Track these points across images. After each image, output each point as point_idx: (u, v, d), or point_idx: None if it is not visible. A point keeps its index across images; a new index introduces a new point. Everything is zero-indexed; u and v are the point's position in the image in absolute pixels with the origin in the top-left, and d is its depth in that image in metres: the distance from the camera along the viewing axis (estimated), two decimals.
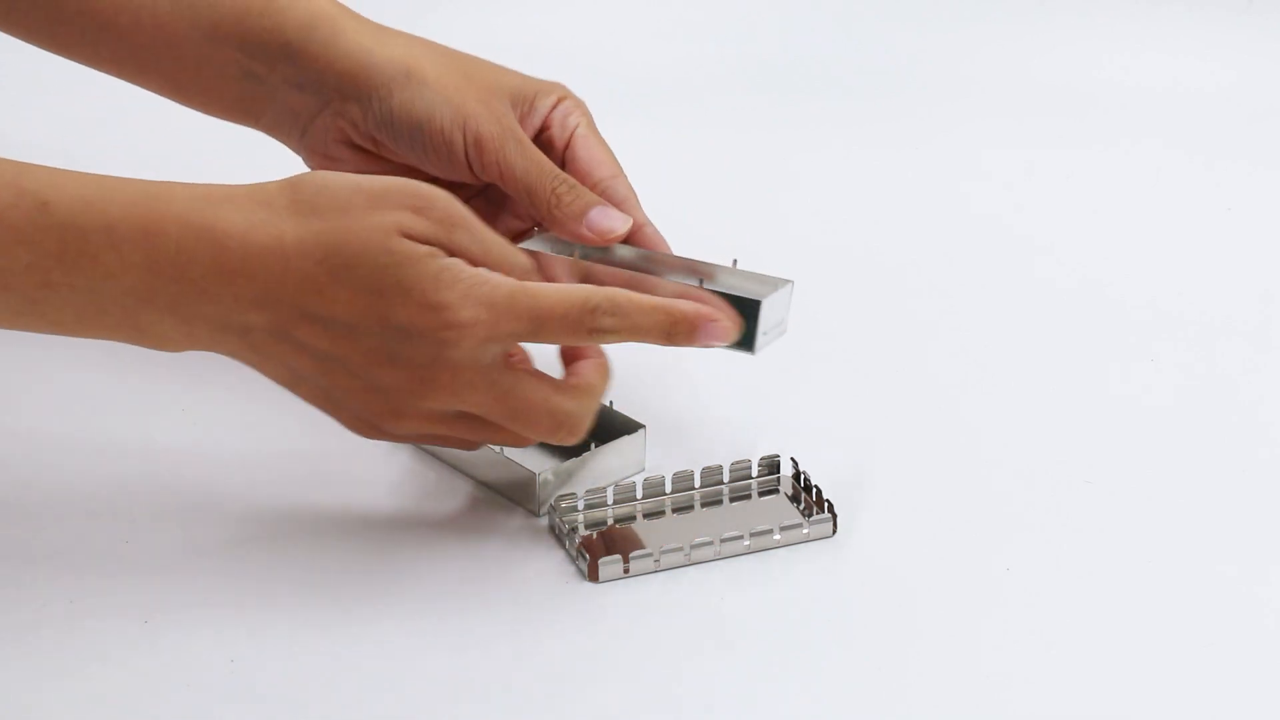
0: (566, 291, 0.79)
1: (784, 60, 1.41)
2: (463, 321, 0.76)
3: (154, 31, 0.90)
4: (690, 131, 1.28)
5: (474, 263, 0.78)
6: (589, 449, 0.88)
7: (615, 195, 0.88)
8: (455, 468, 0.90)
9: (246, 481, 0.88)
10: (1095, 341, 1.03)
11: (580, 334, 0.79)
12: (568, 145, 0.90)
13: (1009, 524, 0.87)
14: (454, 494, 0.88)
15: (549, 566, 0.83)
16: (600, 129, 0.91)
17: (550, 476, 0.86)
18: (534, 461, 0.88)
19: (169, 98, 0.94)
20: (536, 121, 0.90)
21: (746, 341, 0.83)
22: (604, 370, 0.83)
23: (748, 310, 0.83)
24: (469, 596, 0.81)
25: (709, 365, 0.97)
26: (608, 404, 0.90)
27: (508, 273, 0.79)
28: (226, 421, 0.92)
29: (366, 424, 0.80)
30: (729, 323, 0.82)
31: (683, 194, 1.03)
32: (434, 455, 0.90)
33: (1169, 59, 1.40)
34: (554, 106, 0.90)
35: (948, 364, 1.01)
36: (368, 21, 0.90)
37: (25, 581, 0.81)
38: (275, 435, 0.91)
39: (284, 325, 0.77)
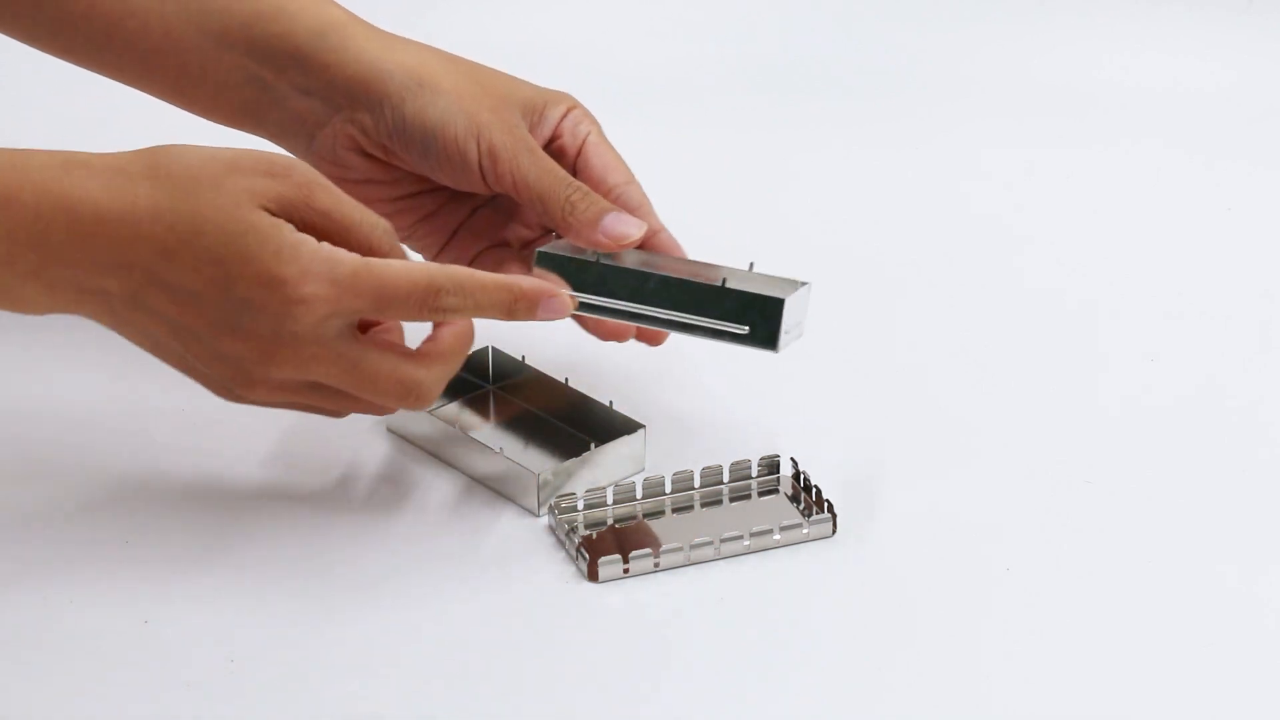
0: (411, 270, 0.79)
1: (784, 60, 1.41)
2: (303, 297, 0.77)
3: (161, 37, 0.90)
4: (690, 132, 1.28)
5: (330, 229, 0.78)
6: (589, 449, 0.88)
7: (629, 201, 0.89)
8: (455, 467, 0.90)
9: (246, 482, 0.88)
10: (1095, 341, 1.03)
11: (424, 312, 0.80)
12: (579, 153, 0.90)
13: (1009, 524, 0.87)
14: (454, 493, 0.88)
15: (549, 566, 0.83)
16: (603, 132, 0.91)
17: (550, 476, 0.86)
18: (534, 461, 0.88)
19: (172, 102, 0.94)
20: (546, 131, 0.90)
21: (769, 341, 0.84)
22: (462, 337, 0.83)
23: (771, 309, 0.83)
24: (469, 596, 0.81)
25: (709, 365, 0.97)
26: (608, 404, 0.90)
27: (368, 237, 0.79)
28: (226, 422, 0.92)
29: (224, 389, 0.81)
30: (568, 297, 0.83)
31: (683, 194, 1.02)
32: (434, 455, 0.90)
33: (1169, 59, 1.40)
34: (563, 116, 0.90)
35: (947, 364, 1.01)
36: (378, 29, 0.90)
37: (25, 581, 0.81)
38: (275, 436, 0.91)
39: (137, 292, 0.77)
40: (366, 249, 0.79)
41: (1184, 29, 1.44)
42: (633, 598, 0.81)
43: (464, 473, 0.89)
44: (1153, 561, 0.84)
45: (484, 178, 0.88)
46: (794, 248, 1.08)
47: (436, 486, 0.88)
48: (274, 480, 0.88)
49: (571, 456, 0.88)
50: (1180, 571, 0.83)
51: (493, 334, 0.98)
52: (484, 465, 0.88)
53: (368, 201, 0.83)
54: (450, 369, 0.83)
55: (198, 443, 0.91)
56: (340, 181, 0.86)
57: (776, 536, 0.84)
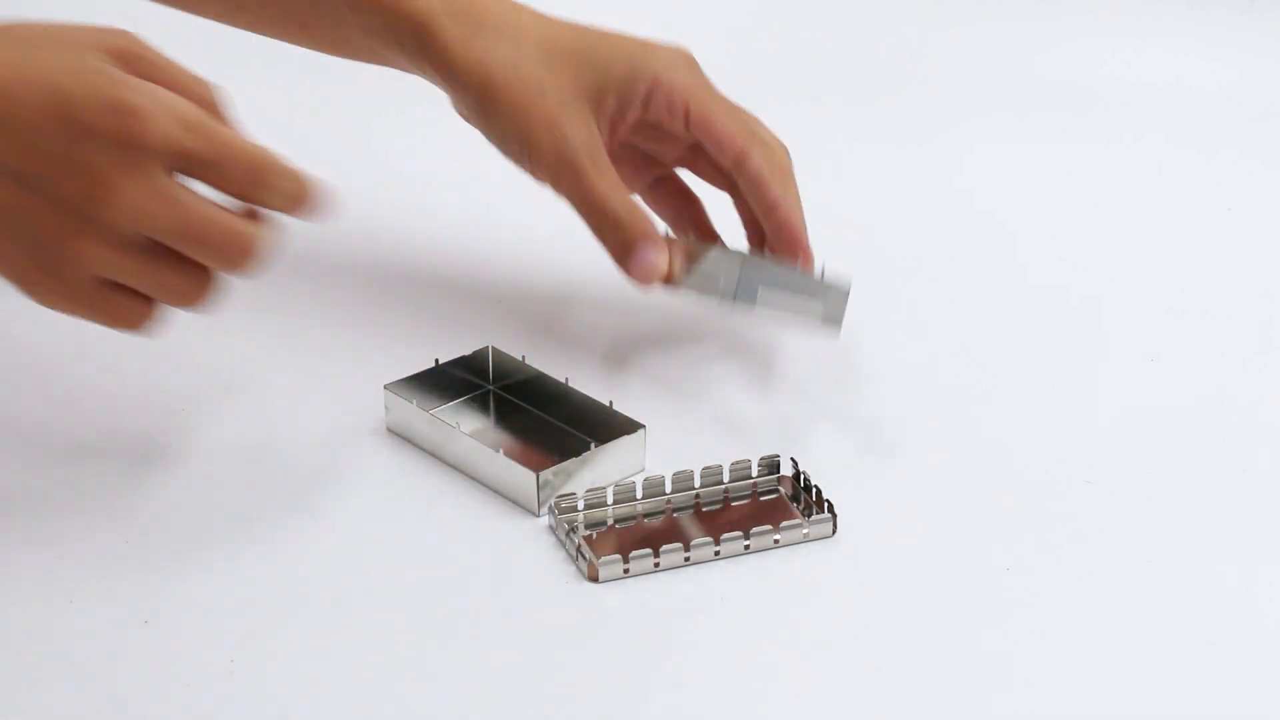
0: (249, 141, 0.80)
1: (785, 57, 1.41)
2: (147, 129, 0.76)
3: None
4: None
5: (166, 84, 0.79)
6: (589, 449, 0.88)
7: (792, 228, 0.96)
8: (455, 467, 0.90)
9: (246, 481, 0.88)
10: (1095, 340, 1.03)
11: (254, 175, 0.79)
12: (688, 123, 0.96)
13: (1009, 524, 0.87)
14: (453, 493, 0.88)
15: (549, 566, 0.83)
16: None
17: (550, 476, 0.86)
18: (534, 461, 0.88)
19: (219, 18, 0.99)
20: (632, 118, 0.94)
21: (836, 321, 0.95)
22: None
23: (838, 296, 0.94)
24: (468, 597, 0.81)
25: (710, 365, 0.97)
26: (608, 404, 0.90)
27: (200, 94, 0.80)
28: (227, 421, 0.92)
29: (44, 265, 0.78)
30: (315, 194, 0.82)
31: None
32: (434, 455, 0.90)
33: (1171, 56, 1.40)
34: (651, 90, 0.94)
35: (947, 363, 1.01)
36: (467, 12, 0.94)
37: (25, 581, 0.81)
38: (275, 436, 0.91)
39: None
40: (202, 104, 0.80)
41: (1185, 27, 1.44)
42: (633, 598, 0.81)
43: (464, 473, 0.89)
44: (1153, 562, 0.84)
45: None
46: None
47: (436, 486, 0.89)
48: (274, 480, 0.88)
49: (571, 456, 0.88)
50: (1180, 572, 0.83)
51: (492, 335, 0.99)
52: (484, 465, 0.88)
53: None
54: (271, 231, 0.81)
55: (197, 442, 0.91)
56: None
57: (776, 537, 0.84)
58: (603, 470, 0.88)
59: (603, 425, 0.90)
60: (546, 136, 0.91)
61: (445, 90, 0.95)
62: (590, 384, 0.93)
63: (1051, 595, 0.82)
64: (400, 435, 0.92)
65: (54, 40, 0.78)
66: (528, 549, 0.84)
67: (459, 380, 0.94)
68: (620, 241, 0.92)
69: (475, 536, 0.85)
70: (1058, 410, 0.96)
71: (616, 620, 0.81)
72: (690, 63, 0.96)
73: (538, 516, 0.86)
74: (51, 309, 0.80)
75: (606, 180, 0.92)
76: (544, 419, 0.93)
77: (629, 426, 0.89)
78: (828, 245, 0.98)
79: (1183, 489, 0.90)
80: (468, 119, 0.96)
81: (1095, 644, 0.79)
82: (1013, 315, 1.06)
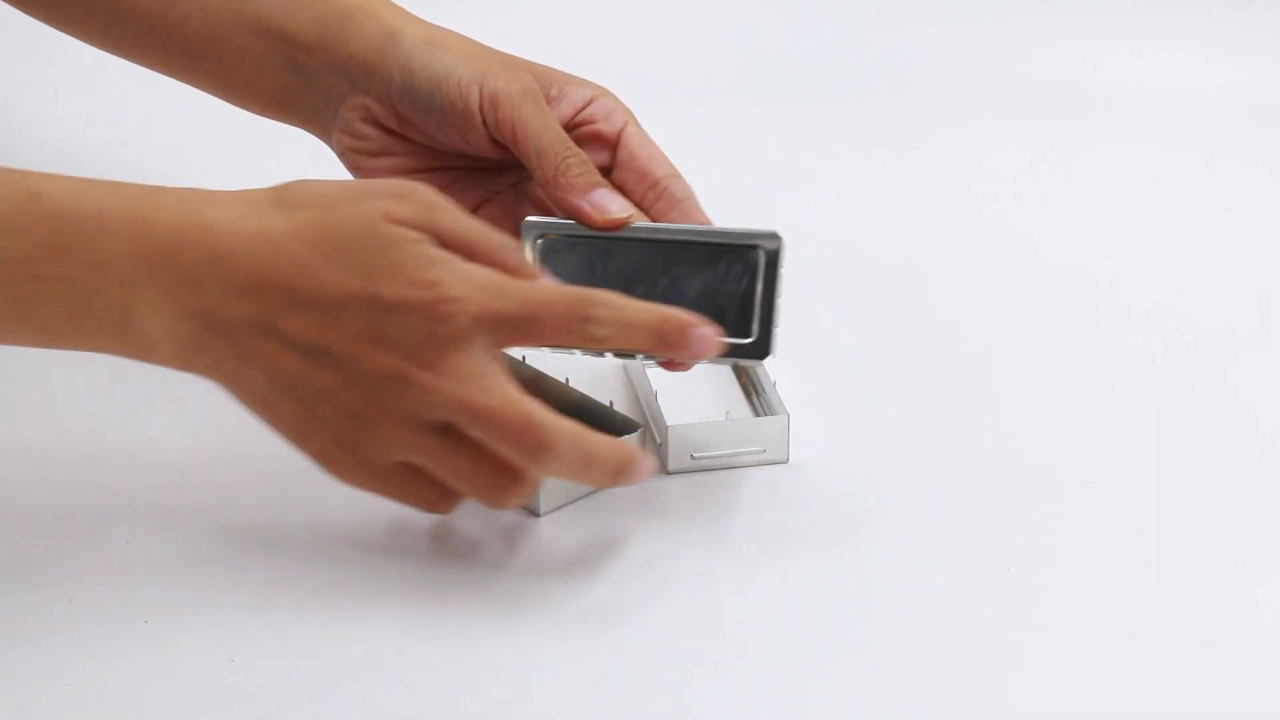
0: (559, 285, 0.79)
1: (784, 59, 1.41)
2: (454, 296, 0.75)
3: (200, 24, 0.93)
4: (691, 130, 1.27)
5: (460, 247, 0.78)
6: None
7: (675, 194, 0.89)
8: None
9: (246, 481, 0.88)
10: (1095, 341, 1.03)
11: (574, 325, 0.78)
12: (619, 142, 0.90)
13: (1009, 524, 0.87)
14: None
15: (549, 567, 0.83)
16: None
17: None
18: None
19: (214, 94, 0.96)
20: (568, 110, 0.90)
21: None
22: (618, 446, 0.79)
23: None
24: (468, 597, 0.81)
25: (709, 367, 0.97)
26: (608, 404, 0.90)
27: (497, 253, 0.78)
28: (226, 421, 0.92)
29: (342, 446, 0.77)
30: (715, 335, 0.81)
31: None
32: None
33: (1170, 58, 1.40)
34: (589, 101, 0.91)
35: (946, 363, 1.01)
36: (404, 10, 0.92)
37: (25, 581, 0.81)
38: (275, 436, 0.91)
39: (270, 316, 0.75)
40: (497, 265, 0.78)
41: (1184, 28, 1.44)
42: (633, 598, 0.81)
43: None
44: (1153, 561, 0.84)
45: (485, 125, 0.88)
46: (793, 246, 1.08)
47: None
48: (274, 480, 0.88)
49: None
50: (1180, 571, 0.83)
51: None
52: None
53: (382, 175, 0.85)
54: (580, 450, 0.77)
55: (197, 442, 0.91)
56: (357, 153, 0.89)
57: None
58: None
59: (603, 425, 0.90)
60: (504, 71, 0.89)
61: (381, 68, 0.90)
62: (590, 384, 0.93)
63: (1051, 595, 0.82)
64: None
65: (349, 204, 0.77)
66: (528, 549, 0.84)
67: None
68: (595, 180, 0.88)
69: (475, 537, 0.85)
70: (1057, 410, 0.96)
71: (616, 621, 0.80)
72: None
73: (538, 516, 0.86)
74: (351, 487, 0.79)
75: (556, 121, 0.90)
76: None
77: (629, 426, 0.89)
78: (828, 245, 0.98)
79: (1182, 489, 0.89)
80: (392, 90, 0.90)
81: (1095, 644, 0.79)
82: (1013, 315, 1.06)
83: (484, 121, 0.88)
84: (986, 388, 0.98)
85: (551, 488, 0.86)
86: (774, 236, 0.87)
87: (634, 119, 0.91)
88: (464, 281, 0.76)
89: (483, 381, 0.76)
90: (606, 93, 0.91)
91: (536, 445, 0.76)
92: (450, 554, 0.84)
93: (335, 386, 0.76)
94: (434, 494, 0.79)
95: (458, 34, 0.91)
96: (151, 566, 0.82)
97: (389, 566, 0.83)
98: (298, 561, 0.83)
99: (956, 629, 0.80)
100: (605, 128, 0.90)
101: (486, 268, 0.77)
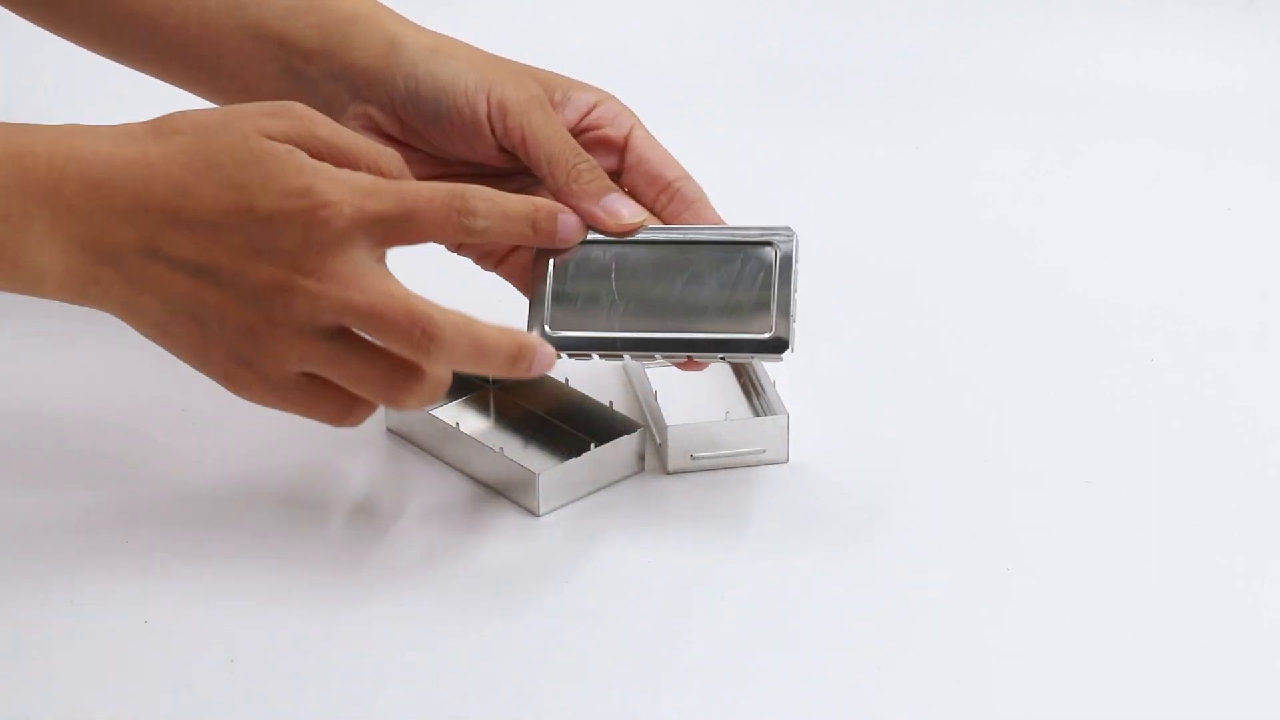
0: (434, 184, 0.80)
1: (784, 59, 1.41)
2: (328, 201, 0.76)
3: (198, 29, 0.92)
4: (692, 131, 1.27)
5: (339, 160, 0.78)
6: (589, 449, 0.88)
7: (687, 195, 0.89)
8: (455, 467, 0.90)
9: (246, 481, 0.88)
10: (1095, 341, 1.03)
11: (451, 218, 0.79)
12: (627, 145, 0.90)
13: (1009, 524, 0.87)
14: (453, 493, 0.88)
15: (548, 567, 0.83)
16: None
17: (550, 476, 0.86)
18: (534, 461, 0.88)
19: (212, 99, 0.95)
20: (573, 115, 0.90)
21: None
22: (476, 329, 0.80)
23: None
24: (468, 596, 0.81)
25: (709, 366, 0.97)
26: (608, 404, 0.90)
27: (375, 162, 0.79)
28: (226, 421, 0.92)
29: (239, 362, 0.78)
30: (581, 223, 0.84)
31: None
32: (434, 455, 0.90)
33: (1170, 58, 1.40)
34: (594, 105, 0.90)
35: (946, 363, 1.01)
36: (404, 17, 0.91)
37: (25, 581, 0.81)
38: (274, 435, 0.91)
39: (153, 239, 0.76)
40: (378, 174, 0.80)
41: (1184, 28, 1.44)
42: (632, 598, 0.81)
43: (464, 473, 0.89)
44: (1153, 561, 0.84)
45: (494, 133, 0.87)
46: None
47: (436, 486, 0.89)
48: (274, 480, 0.88)
49: (571, 456, 0.87)
50: (1180, 571, 0.83)
51: None
52: (484, 465, 0.88)
53: None
54: (468, 337, 0.79)
55: (197, 442, 0.91)
56: None
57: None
58: (603, 470, 0.88)
59: (602, 425, 0.90)
60: (510, 78, 0.88)
61: (385, 76, 0.90)
62: (590, 384, 0.93)
63: (1051, 595, 0.82)
64: (400, 435, 0.92)
65: (221, 127, 0.78)
66: (528, 549, 0.84)
67: (459, 380, 0.94)
68: (606, 186, 0.89)
69: (475, 537, 0.85)
70: (1058, 410, 0.96)
71: (615, 621, 0.81)
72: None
73: (538, 516, 0.86)
74: (253, 403, 0.80)
75: (564, 128, 0.90)
76: (544, 419, 0.93)
77: (629, 426, 0.89)
78: (828, 245, 0.97)
79: (1182, 489, 0.89)
80: (396, 98, 0.90)
81: (1095, 644, 0.79)
82: (1013, 316, 1.06)
83: (492, 129, 0.88)
84: (986, 387, 0.98)
85: (551, 488, 0.86)
86: (789, 232, 0.86)
87: (640, 122, 0.91)
88: (338, 185, 0.77)
89: (365, 281, 0.77)
90: (610, 96, 0.91)
91: (424, 337, 0.77)
92: (450, 554, 0.84)
93: (225, 303, 0.77)
94: (338, 405, 0.80)
95: (461, 41, 0.91)
96: (151, 566, 0.82)
97: (389, 567, 0.83)
98: (298, 561, 0.83)
99: (956, 629, 0.80)
100: (612, 132, 0.90)
101: (361, 173, 0.78)
